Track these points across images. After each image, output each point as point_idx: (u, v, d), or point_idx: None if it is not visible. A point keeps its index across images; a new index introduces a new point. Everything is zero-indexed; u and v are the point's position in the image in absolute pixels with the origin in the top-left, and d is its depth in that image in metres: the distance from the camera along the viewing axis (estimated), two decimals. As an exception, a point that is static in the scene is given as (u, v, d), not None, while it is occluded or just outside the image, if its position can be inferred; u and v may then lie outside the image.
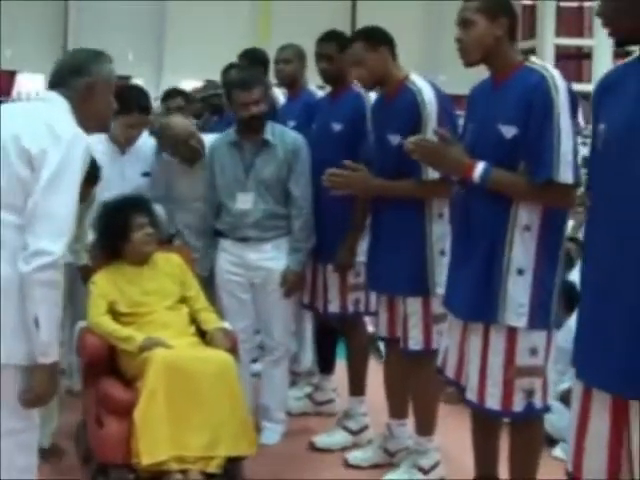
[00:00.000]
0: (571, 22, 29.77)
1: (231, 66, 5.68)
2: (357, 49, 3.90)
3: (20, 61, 20.30)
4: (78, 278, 4.30)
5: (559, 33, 29.48)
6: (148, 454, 3.55)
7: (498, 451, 3.50)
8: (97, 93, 2.88)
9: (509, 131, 3.12)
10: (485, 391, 3.24)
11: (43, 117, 2.73)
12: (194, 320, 4.10)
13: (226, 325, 4.13)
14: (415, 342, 3.88)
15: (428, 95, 3.75)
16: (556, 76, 3.11)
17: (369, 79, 3.93)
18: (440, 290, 3.70)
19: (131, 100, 4.49)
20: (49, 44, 20.77)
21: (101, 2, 20.88)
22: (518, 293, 3.16)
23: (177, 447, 3.59)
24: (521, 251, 3.15)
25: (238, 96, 4.29)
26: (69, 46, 20.91)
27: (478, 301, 3.22)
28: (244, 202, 4.35)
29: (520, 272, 3.16)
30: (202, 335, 4.06)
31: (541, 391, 3.23)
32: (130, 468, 3.63)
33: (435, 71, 17.01)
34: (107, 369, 3.93)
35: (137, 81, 19.92)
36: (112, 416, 3.71)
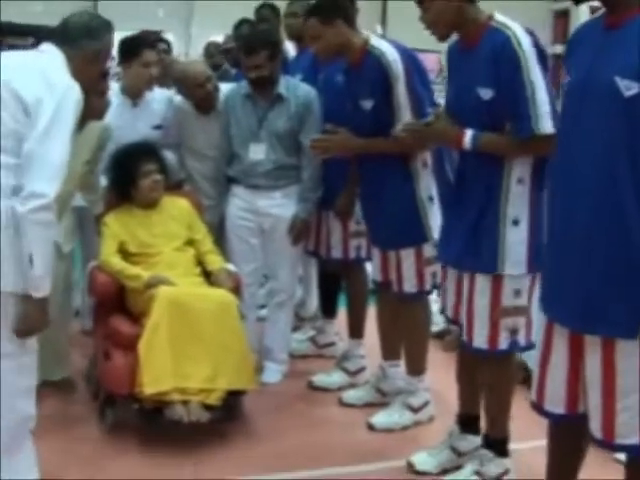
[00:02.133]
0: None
1: (243, 21, 5.81)
2: (312, 25, 3.95)
3: (50, 16, 20.40)
4: (89, 222, 4.50)
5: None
6: (151, 384, 3.74)
7: (480, 391, 3.64)
8: (100, 60, 3.09)
9: (486, 93, 3.21)
10: (473, 331, 3.39)
11: (38, 66, 2.90)
12: (200, 262, 4.29)
13: (230, 267, 4.32)
14: (410, 285, 4.01)
15: (392, 55, 3.82)
16: (519, 32, 3.17)
17: (328, 52, 3.98)
18: (433, 235, 3.88)
19: (137, 42, 4.68)
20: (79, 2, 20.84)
21: (132, -41, 20.91)
22: (516, 244, 3.29)
23: (179, 379, 3.77)
24: (516, 203, 3.28)
25: (243, 59, 4.43)
26: (99, 3, 20.95)
27: (476, 254, 3.34)
28: (256, 152, 4.49)
29: (515, 223, 3.28)
30: (207, 277, 4.24)
31: (525, 329, 3.36)
32: (135, 399, 3.83)
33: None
34: (116, 306, 4.13)
35: (167, 36, 20.09)
36: (119, 350, 3.91)
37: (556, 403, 2.73)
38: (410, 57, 3.90)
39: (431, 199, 3.93)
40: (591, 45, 2.55)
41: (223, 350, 3.88)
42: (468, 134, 3.28)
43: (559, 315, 2.66)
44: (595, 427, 2.60)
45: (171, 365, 3.78)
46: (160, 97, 4.86)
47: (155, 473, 3.59)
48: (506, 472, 3.49)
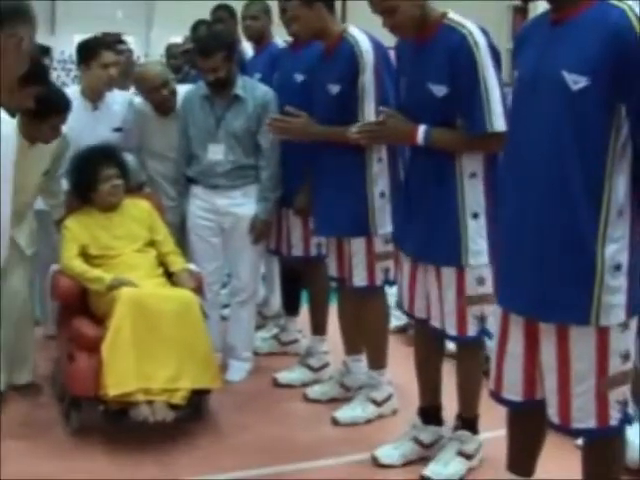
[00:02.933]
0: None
1: (200, 23, 5.85)
2: (293, 5, 4.07)
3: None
4: (51, 224, 4.52)
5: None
6: (115, 386, 3.76)
7: (440, 381, 3.75)
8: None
9: (440, 90, 3.29)
10: (444, 319, 3.50)
11: None
12: (162, 263, 4.32)
13: (192, 267, 4.36)
14: (360, 279, 4.09)
15: (365, 45, 3.92)
16: (475, 32, 3.27)
17: (305, 34, 4.11)
18: (382, 230, 3.96)
19: (96, 43, 4.72)
20: (36, 2, 20.66)
21: (90, -41, 20.77)
22: (476, 236, 3.39)
23: (143, 379, 3.80)
24: (473, 197, 3.37)
25: (199, 61, 4.47)
26: (57, 4, 20.83)
27: (439, 248, 3.43)
28: (215, 153, 4.52)
29: (475, 216, 3.38)
30: (169, 277, 4.27)
31: (493, 316, 3.38)
32: (100, 400, 3.85)
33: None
34: (79, 309, 4.14)
35: (127, 38, 20.03)
36: (82, 352, 3.92)
37: (514, 391, 2.81)
38: (382, 51, 3.97)
39: (383, 195, 4.00)
40: (538, 41, 2.62)
41: (186, 350, 3.91)
42: (421, 130, 3.35)
43: (514, 304, 2.73)
44: (552, 412, 2.68)
45: (135, 366, 3.80)
46: (120, 99, 4.89)
47: (121, 474, 3.61)
48: (480, 447, 3.66)
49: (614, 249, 2.51)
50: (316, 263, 4.70)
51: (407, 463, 3.72)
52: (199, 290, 4.19)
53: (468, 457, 3.61)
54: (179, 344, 3.90)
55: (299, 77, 4.49)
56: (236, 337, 4.76)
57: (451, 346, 3.90)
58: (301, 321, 5.18)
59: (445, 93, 3.29)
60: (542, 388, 2.73)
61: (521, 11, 29.55)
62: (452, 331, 3.50)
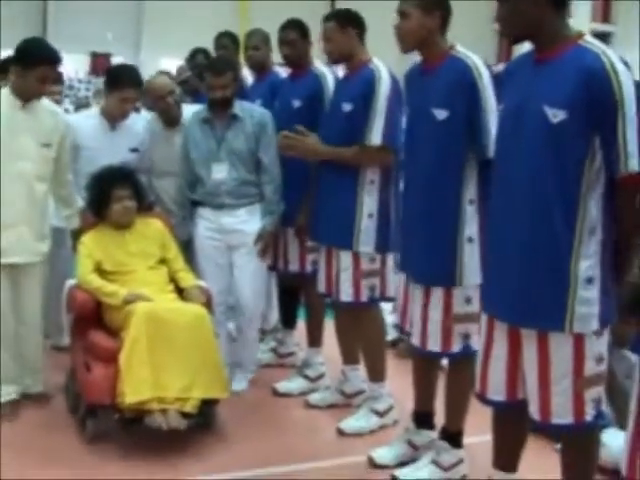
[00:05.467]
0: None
1: (197, 51, 6.14)
2: (328, 27, 4.42)
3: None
4: (64, 241, 4.76)
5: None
6: (131, 394, 3.99)
7: (435, 389, 4.03)
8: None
9: (440, 114, 3.58)
10: (427, 336, 3.74)
11: None
12: (172, 279, 4.56)
13: (202, 283, 4.60)
14: (346, 295, 4.39)
15: (385, 76, 4.24)
16: (478, 63, 3.58)
17: (334, 55, 4.42)
18: (366, 249, 4.29)
19: (124, 76, 4.90)
20: (27, 24, 20.75)
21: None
22: (470, 259, 3.63)
23: (157, 389, 4.03)
24: (470, 223, 3.61)
25: (210, 79, 4.72)
26: (49, 25, 21.01)
27: (433, 268, 3.69)
28: (218, 172, 4.77)
29: (470, 240, 3.62)
30: (179, 293, 4.51)
31: (477, 335, 3.56)
32: (115, 409, 4.09)
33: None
34: (94, 322, 4.37)
35: (116, 59, 20.16)
36: (99, 362, 4.15)
37: (498, 391, 3.14)
38: (397, 85, 4.27)
39: (370, 216, 4.28)
40: (523, 77, 2.96)
41: (198, 361, 4.15)
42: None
43: (498, 311, 3.07)
44: (534, 410, 3.01)
45: (150, 376, 4.03)
46: (140, 122, 5.14)
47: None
48: (460, 461, 3.85)
49: (586, 265, 2.85)
50: (312, 279, 4.90)
51: (401, 463, 3.96)
52: (209, 305, 4.43)
53: (443, 468, 3.81)
54: (191, 355, 4.13)
55: (296, 104, 4.81)
56: (243, 354, 5.00)
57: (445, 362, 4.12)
58: (298, 334, 5.44)
59: (446, 116, 3.56)
60: (523, 388, 3.06)
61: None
62: (435, 347, 3.73)
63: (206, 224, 4.85)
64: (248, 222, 4.81)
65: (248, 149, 4.78)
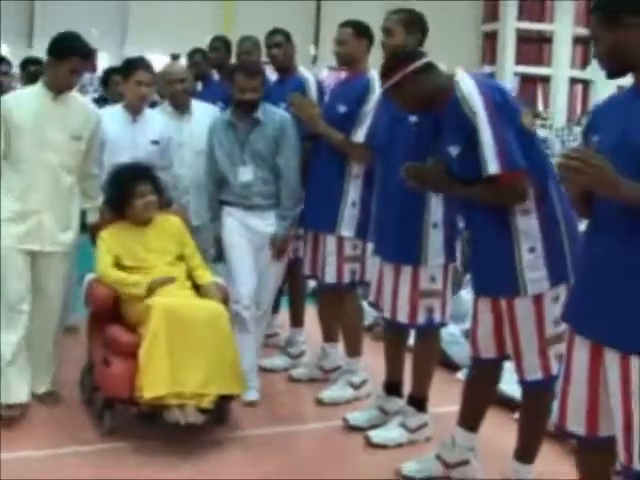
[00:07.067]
0: (533, 8, 30.69)
1: (196, 51, 6.32)
2: (345, 32, 4.76)
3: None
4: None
5: (521, 18, 30.39)
6: (150, 389, 4.02)
7: (403, 362, 4.49)
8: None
9: (412, 118, 3.98)
10: (397, 309, 4.18)
11: None
12: (189, 276, 4.59)
13: (219, 280, 4.64)
14: (330, 277, 4.84)
15: (377, 86, 4.39)
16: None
17: (344, 58, 4.78)
18: (348, 233, 4.75)
19: (136, 62, 5.08)
20: (15, 18, 20.79)
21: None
22: (435, 242, 4.12)
23: (175, 384, 4.06)
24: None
25: (242, 80, 4.75)
26: (36, 20, 21.00)
27: (403, 249, 4.15)
28: (245, 174, 4.83)
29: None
30: (196, 290, 4.54)
31: (440, 310, 4.20)
32: (133, 403, 4.12)
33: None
34: (112, 317, 4.40)
35: (101, 54, 20.30)
36: (118, 357, 4.18)
37: (486, 351, 3.67)
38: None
39: (354, 204, 4.73)
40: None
41: (215, 357, 4.19)
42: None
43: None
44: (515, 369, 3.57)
45: (169, 371, 4.06)
46: (157, 115, 5.23)
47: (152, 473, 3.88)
48: (424, 424, 4.31)
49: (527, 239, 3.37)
50: (295, 265, 5.27)
51: (372, 426, 4.38)
52: (225, 302, 4.47)
53: (410, 430, 4.26)
54: (209, 352, 4.17)
55: (282, 106, 5.04)
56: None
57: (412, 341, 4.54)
58: (281, 318, 6.01)
59: (416, 120, 3.95)
60: (493, 352, 3.63)
61: (491, 36, 30.25)
62: (403, 318, 4.18)
63: (234, 221, 4.87)
64: (274, 225, 4.89)
65: (269, 152, 4.85)
